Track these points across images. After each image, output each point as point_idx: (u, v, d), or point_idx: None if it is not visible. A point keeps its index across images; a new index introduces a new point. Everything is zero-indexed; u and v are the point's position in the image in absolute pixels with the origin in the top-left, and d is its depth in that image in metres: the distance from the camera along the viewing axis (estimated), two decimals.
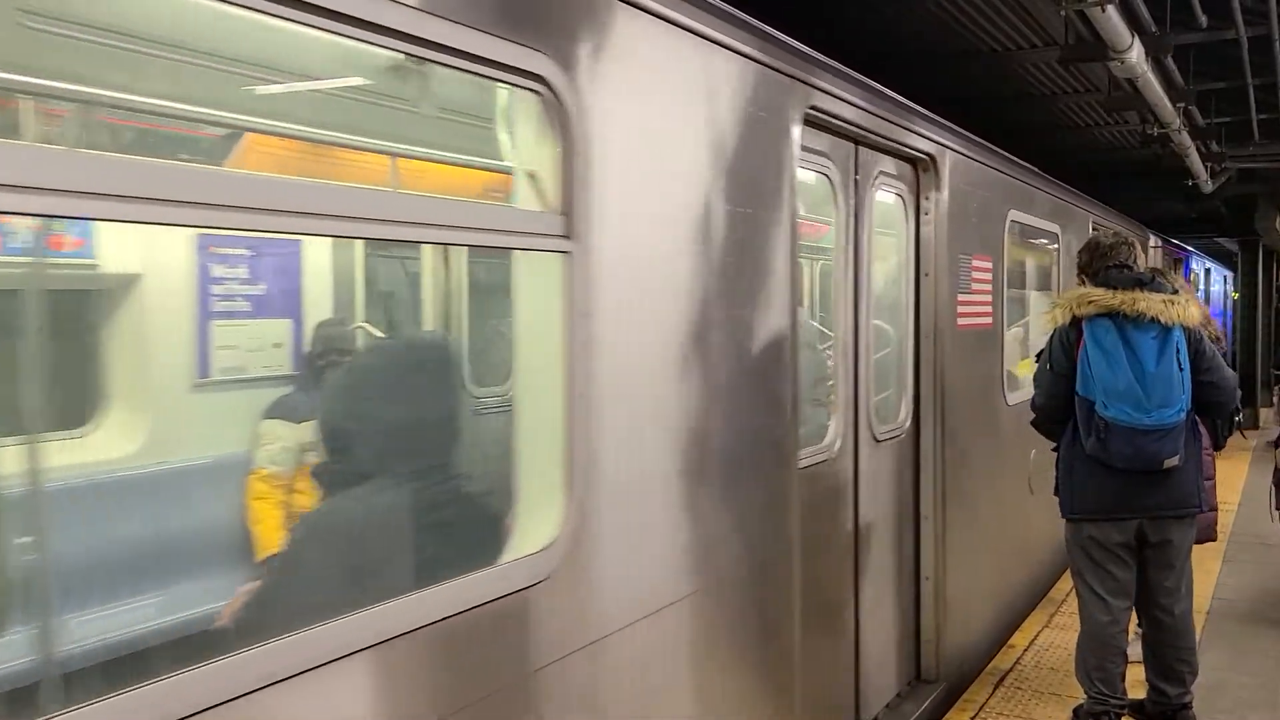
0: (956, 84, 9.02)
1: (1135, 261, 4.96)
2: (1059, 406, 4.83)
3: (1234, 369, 5.58)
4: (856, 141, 4.68)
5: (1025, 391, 7.55)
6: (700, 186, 3.21)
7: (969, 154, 5.86)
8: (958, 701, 5.66)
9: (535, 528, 2.54)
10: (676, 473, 3.09)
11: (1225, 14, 7.86)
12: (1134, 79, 7.74)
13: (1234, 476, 11.83)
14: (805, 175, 4.34)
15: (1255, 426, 17.12)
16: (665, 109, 3.06)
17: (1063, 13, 6.82)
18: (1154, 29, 7.58)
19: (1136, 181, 15.50)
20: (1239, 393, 5.12)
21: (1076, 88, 10.03)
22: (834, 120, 4.28)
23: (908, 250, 5.37)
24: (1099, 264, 4.93)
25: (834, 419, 4.52)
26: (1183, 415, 4.63)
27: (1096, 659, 4.82)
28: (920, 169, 5.38)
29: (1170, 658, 4.91)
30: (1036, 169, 7.44)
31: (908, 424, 5.32)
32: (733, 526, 3.42)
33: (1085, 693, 4.90)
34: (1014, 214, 6.75)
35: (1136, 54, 7.19)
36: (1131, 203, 13.92)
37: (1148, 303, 4.63)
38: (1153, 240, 12.89)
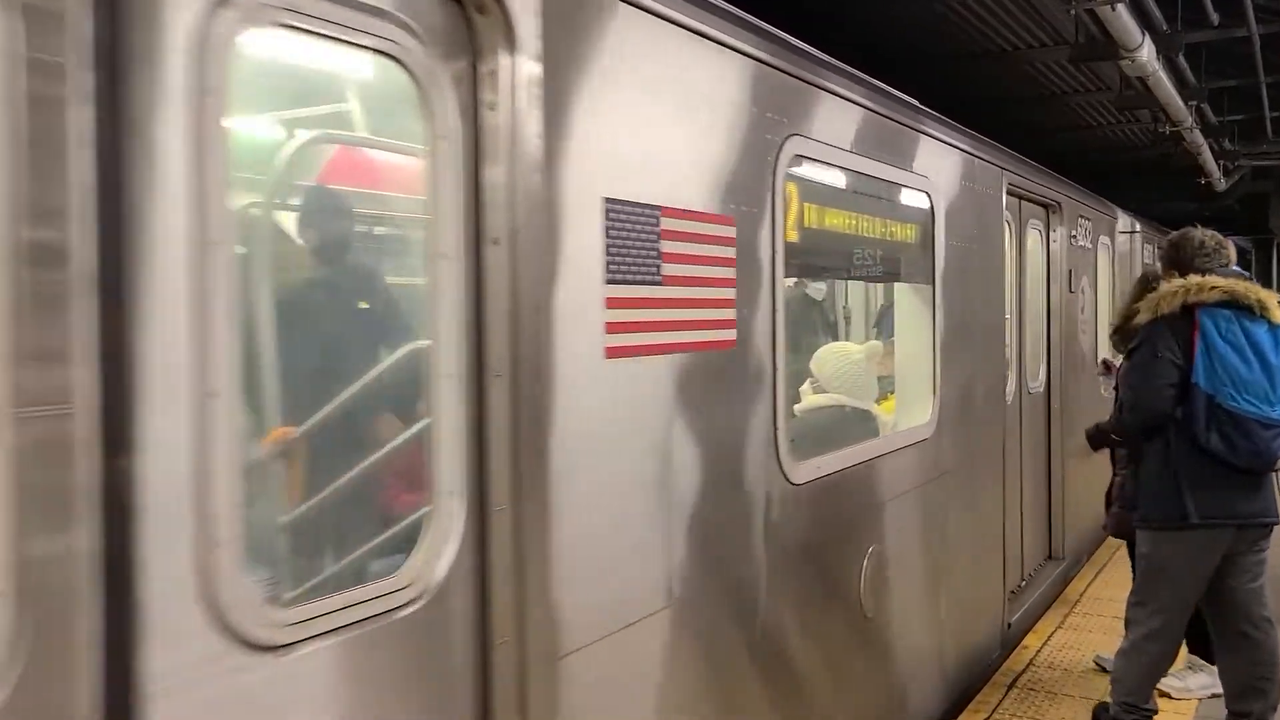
0: (966, 84, 8.99)
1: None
2: (1169, 399, 4.57)
3: None
4: None
5: (865, 451, 4.60)
6: None
7: None
8: (970, 703, 5.51)
9: None
10: None
11: (1237, 12, 7.82)
12: (1145, 77, 7.75)
13: None
14: None
15: None
16: None
17: (1073, 12, 6.81)
18: (1165, 27, 7.60)
19: (1148, 180, 15.65)
20: None
21: (1087, 86, 10.00)
22: None
23: (437, 188, 2.39)
24: (1205, 263, 4.80)
25: None
26: None
27: (1147, 675, 4.79)
28: (469, 2, 2.41)
29: (1252, 675, 4.76)
30: (855, 71, 4.36)
31: (438, 581, 2.35)
32: None
33: (1114, 698, 4.85)
34: (798, 143, 3.74)
35: (1147, 52, 7.16)
36: (1143, 202, 13.97)
37: (1264, 293, 4.63)
38: (1123, 222, 9.85)
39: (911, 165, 4.82)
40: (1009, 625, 6.51)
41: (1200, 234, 4.93)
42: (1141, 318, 4.70)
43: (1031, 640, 6.51)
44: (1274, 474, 4.72)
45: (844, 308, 7.97)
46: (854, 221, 4.39)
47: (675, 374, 3.07)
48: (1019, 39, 8.33)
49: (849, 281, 7.45)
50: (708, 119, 3.26)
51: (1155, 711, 4.87)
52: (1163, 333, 4.59)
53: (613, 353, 2.77)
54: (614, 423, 2.79)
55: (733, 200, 3.36)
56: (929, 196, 4.98)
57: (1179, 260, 4.87)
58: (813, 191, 4.00)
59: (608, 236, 2.75)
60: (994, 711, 5.40)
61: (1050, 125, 11.69)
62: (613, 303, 2.76)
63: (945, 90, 7.29)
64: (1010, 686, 5.77)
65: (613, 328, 2.76)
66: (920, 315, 5.17)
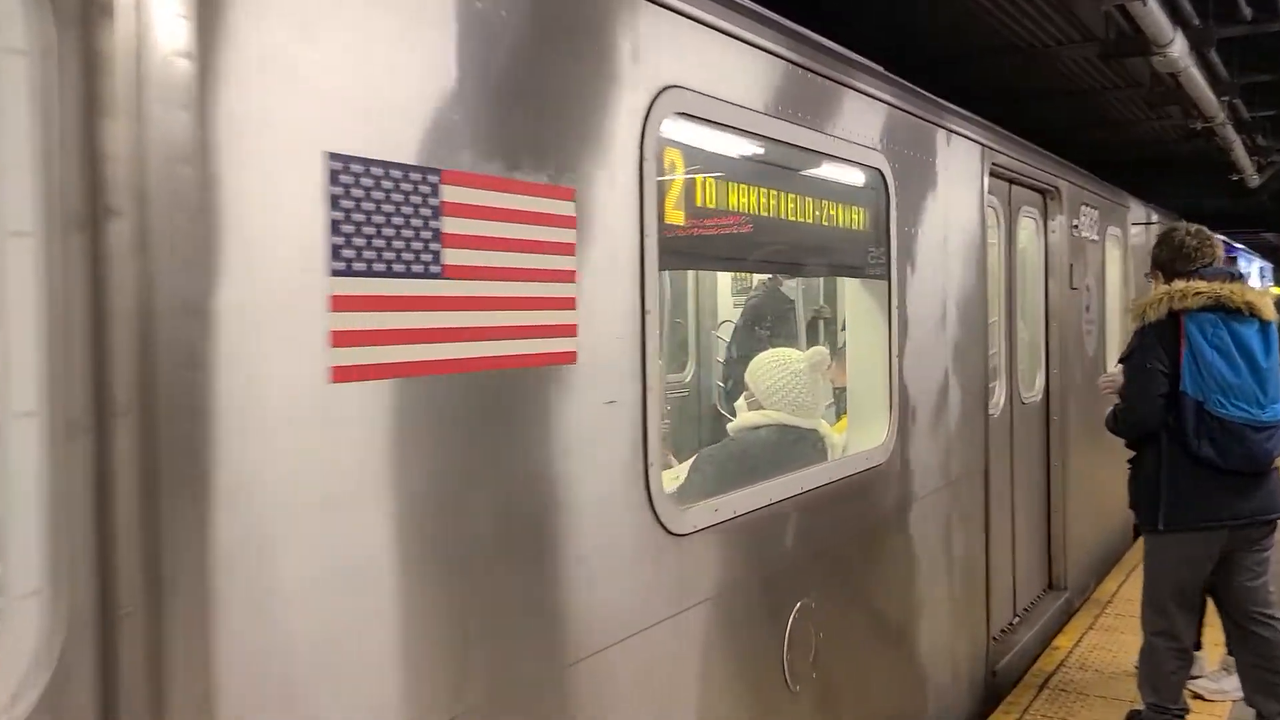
0: (995, 81, 8.89)
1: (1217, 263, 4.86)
2: (1161, 410, 4.56)
3: None
4: None
5: (789, 485, 3.74)
6: None
7: None
8: (1001, 704, 5.50)
9: None
10: None
11: (1269, 6, 7.72)
12: (1176, 73, 7.67)
13: None
14: None
15: None
16: None
17: (1103, 7, 6.77)
18: (1196, 22, 7.49)
19: (1180, 177, 15.52)
20: None
21: (1117, 83, 9.84)
22: None
23: (4, 130, 1.57)
24: (1185, 266, 4.75)
25: None
26: None
27: (1166, 672, 4.77)
28: None
29: (1264, 671, 4.74)
30: (769, 12, 3.47)
31: None
32: None
33: (1143, 700, 4.89)
34: (680, 97, 2.88)
35: (1179, 48, 7.06)
36: (1175, 198, 13.61)
37: (1253, 294, 4.60)
38: (1138, 212, 8.92)
39: (857, 136, 3.96)
40: (993, 674, 5.64)
41: (1182, 235, 4.87)
42: (1130, 324, 4.71)
43: (1063, 641, 6.57)
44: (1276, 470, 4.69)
45: (816, 309, 7.11)
46: (773, 201, 3.52)
47: (469, 402, 2.23)
48: (1048, 35, 8.10)
49: (775, 276, 6.64)
50: (532, 54, 2.41)
51: (1187, 711, 4.87)
52: (1150, 341, 4.59)
53: (344, 374, 1.94)
54: (347, 476, 1.96)
55: (575, 168, 2.53)
56: (882, 175, 4.12)
57: (1162, 263, 4.87)
58: (709, 161, 3.15)
59: (335, 208, 1.92)
60: (1025, 712, 5.45)
61: (1082, 122, 11.47)
62: (344, 303, 1.93)
63: (969, 87, 7.16)
64: (1041, 687, 5.79)
65: (344, 339, 1.93)
66: (873, 317, 4.30)
